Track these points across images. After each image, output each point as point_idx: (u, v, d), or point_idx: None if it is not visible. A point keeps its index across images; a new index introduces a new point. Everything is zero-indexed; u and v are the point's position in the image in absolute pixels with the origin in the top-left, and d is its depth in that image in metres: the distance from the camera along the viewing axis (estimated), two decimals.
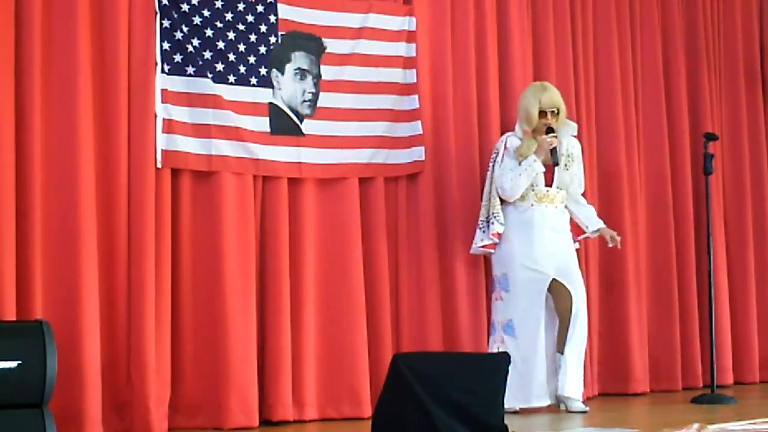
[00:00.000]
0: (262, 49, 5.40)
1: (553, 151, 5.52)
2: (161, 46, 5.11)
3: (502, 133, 6.14)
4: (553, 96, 5.60)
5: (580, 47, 6.56)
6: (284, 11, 5.49)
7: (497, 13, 6.21)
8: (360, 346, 5.45)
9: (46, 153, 4.77)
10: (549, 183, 5.60)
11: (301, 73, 5.52)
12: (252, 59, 5.36)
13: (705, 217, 6.39)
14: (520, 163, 5.50)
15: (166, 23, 5.14)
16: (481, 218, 5.61)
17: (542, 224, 5.55)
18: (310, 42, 5.55)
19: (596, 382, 6.38)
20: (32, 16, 4.75)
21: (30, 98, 4.72)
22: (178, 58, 5.15)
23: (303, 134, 5.47)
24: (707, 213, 6.34)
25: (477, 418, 4.12)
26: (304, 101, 5.51)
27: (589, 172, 6.45)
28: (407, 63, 5.79)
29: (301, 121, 5.49)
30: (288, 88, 5.48)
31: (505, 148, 5.58)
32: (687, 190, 6.90)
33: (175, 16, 5.17)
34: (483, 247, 5.60)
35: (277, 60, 5.45)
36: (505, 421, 4.28)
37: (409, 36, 5.82)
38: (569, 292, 5.53)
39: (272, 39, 5.44)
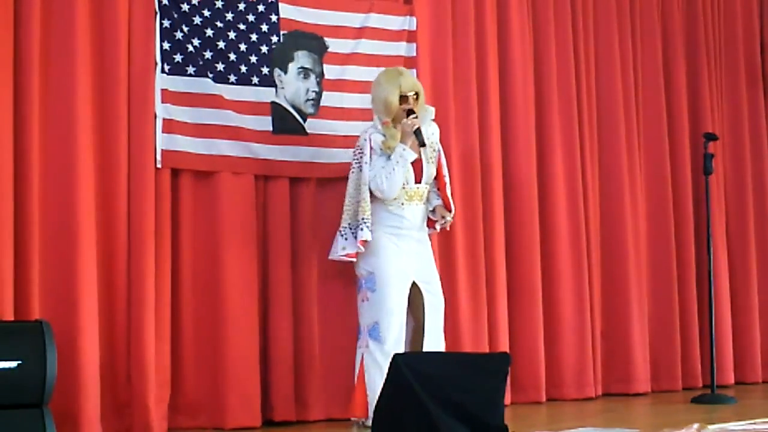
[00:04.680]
0: (264, 49, 5.40)
1: (418, 132, 5.05)
2: (161, 46, 5.11)
3: (503, 133, 6.17)
4: (411, 79, 5.21)
5: (580, 47, 6.56)
6: (286, 11, 5.49)
7: (498, 13, 6.21)
8: None
9: (45, 153, 4.77)
10: (418, 179, 5.19)
11: (305, 72, 5.52)
12: (253, 59, 5.36)
13: (705, 217, 6.39)
14: (389, 158, 5.08)
15: (166, 23, 5.14)
16: (343, 224, 5.13)
17: (411, 224, 5.16)
18: (313, 41, 5.55)
19: (598, 382, 6.38)
20: (31, 16, 4.74)
21: (29, 98, 4.72)
22: (178, 58, 5.15)
23: (306, 133, 5.47)
24: (707, 213, 6.35)
25: (477, 418, 4.11)
26: (308, 100, 5.52)
27: (590, 172, 6.48)
28: (408, 63, 5.78)
29: (305, 120, 5.49)
30: (291, 87, 5.48)
31: (371, 146, 5.12)
32: (687, 190, 6.91)
33: (176, 16, 5.17)
34: (346, 255, 5.13)
35: (280, 59, 5.45)
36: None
37: (410, 36, 5.82)
38: (422, 298, 5.16)
39: (274, 38, 5.44)
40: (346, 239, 5.11)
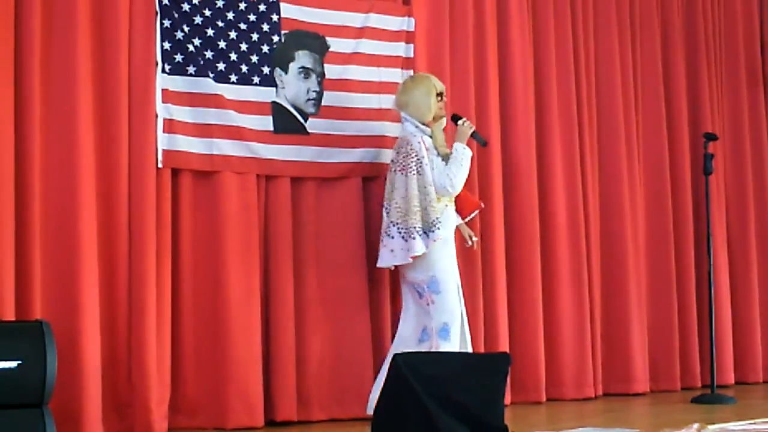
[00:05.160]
0: (265, 48, 5.40)
1: (475, 134, 5.31)
2: (162, 46, 5.11)
3: (502, 134, 6.16)
4: (437, 79, 5.39)
5: (580, 48, 6.56)
6: (287, 10, 5.49)
7: (497, 14, 6.21)
8: (364, 344, 5.46)
9: (46, 153, 4.77)
10: None
11: (305, 71, 5.52)
12: (254, 58, 5.36)
13: (705, 217, 6.40)
14: (442, 157, 5.22)
15: (166, 23, 5.14)
16: (414, 225, 5.08)
17: (451, 224, 5.30)
18: (314, 41, 5.55)
19: (598, 382, 6.38)
20: (32, 16, 4.74)
21: (30, 98, 4.71)
22: (178, 57, 5.15)
23: (308, 133, 5.47)
24: (707, 213, 6.35)
25: (477, 418, 4.12)
26: (309, 100, 5.52)
27: (590, 172, 6.48)
28: (406, 63, 5.79)
29: (306, 120, 5.49)
30: (292, 86, 5.48)
31: (426, 148, 5.19)
32: (687, 190, 6.92)
33: (176, 15, 5.17)
34: (413, 256, 5.10)
35: (281, 59, 5.45)
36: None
37: (408, 36, 5.83)
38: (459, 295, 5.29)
39: (275, 38, 5.44)
40: (423, 239, 5.12)
